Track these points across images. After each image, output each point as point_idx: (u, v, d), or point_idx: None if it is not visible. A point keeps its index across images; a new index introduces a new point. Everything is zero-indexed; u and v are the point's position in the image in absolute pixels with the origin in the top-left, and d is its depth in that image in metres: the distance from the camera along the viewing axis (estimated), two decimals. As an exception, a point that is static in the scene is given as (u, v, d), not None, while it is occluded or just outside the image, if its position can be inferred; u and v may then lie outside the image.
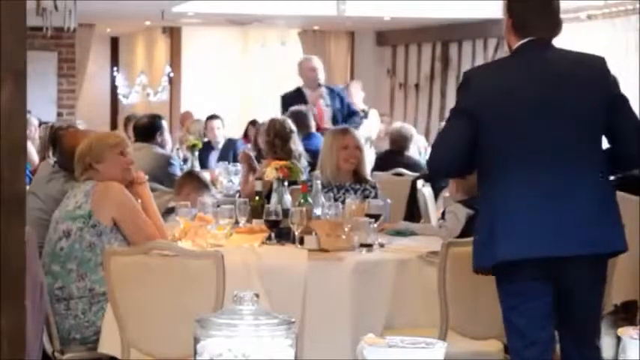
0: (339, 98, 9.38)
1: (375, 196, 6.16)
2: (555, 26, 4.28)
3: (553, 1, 4.31)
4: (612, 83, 4.23)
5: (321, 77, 9.26)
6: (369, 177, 6.39)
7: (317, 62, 9.40)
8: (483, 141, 4.14)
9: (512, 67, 4.24)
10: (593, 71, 4.21)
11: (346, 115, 9.32)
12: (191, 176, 6.80)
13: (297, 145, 7.93)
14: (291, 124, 8.01)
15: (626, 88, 12.31)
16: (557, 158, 4.08)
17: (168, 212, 5.57)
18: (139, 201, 5.13)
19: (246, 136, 11.50)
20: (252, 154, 8.85)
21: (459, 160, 4.20)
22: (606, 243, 4.16)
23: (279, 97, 9.64)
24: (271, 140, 7.83)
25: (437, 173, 4.34)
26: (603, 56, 4.30)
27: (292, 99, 8.89)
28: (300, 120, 9.18)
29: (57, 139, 6.03)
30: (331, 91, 9.43)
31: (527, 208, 4.05)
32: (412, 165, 9.66)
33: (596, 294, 4.26)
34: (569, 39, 11.33)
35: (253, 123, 11.73)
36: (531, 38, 4.20)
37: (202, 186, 6.59)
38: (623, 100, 4.24)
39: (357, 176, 6.32)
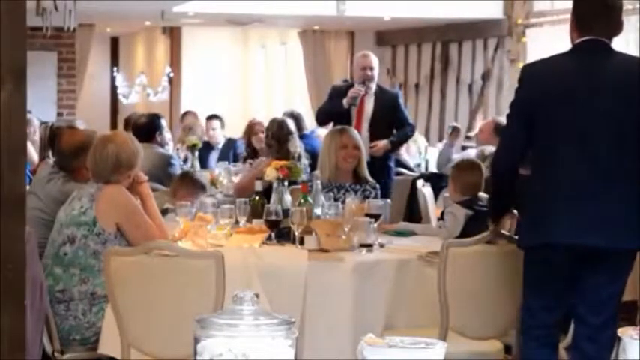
0: (393, 103, 8.56)
1: (376, 197, 6.17)
2: (615, 26, 4.47)
3: (615, 1, 4.48)
4: None
5: (376, 76, 8.71)
6: (369, 177, 6.39)
7: (372, 60, 8.83)
8: (537, 135, 4.37)
9: (568, 64, 4.43)
10: (638, 76, 4.35)
11: (398, 124, 8.62)
12: (186, 178, 6.76)
13: (296, 146, 7.93)
14: (289, 125, 8.01)
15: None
16: (599, 152, 4.28)
17: (163, 213, 5.55)
18: (139, 201, 5.12)
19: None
20: (245, 154, 8.84)
21: (519, 160, 4.54)
22: (636, 238, 4.33)
23: (331, 87, 9.21)
24: (271, 141, 7.83)
25: (501, 176, 4.58)
26: None
27: (341, 92, 8.58)
28: (295, 120, 9.16)
29: (55, 139, 6.03)
30: (384, 93, 8.66)
31: (571, 199, 4.29)
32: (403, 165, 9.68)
33: (617, 286, 4.42)
34: (569, 39, 11.34)
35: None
36: (590, 37, 4.38)
37: (198, 188, 6.57)
38: None
39: (357, 176, 6.32)
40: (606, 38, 4.41)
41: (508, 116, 4.61)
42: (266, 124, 8.61)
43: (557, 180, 4.33)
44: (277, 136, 7.81)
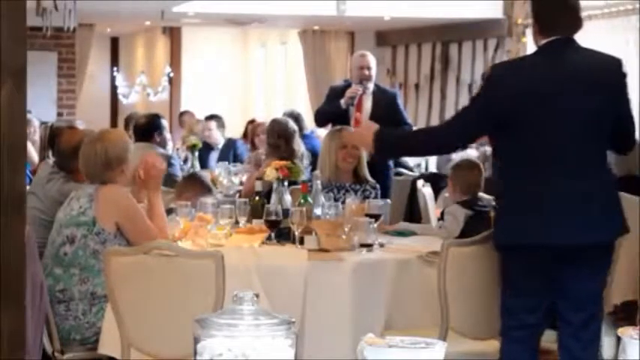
0: (391, 103, 8.56)
1: (376, 197, 6.17)
2: (577, 24, 4.50)
3: (574, 1, 4.53)
4: (624, 84, 4.46)
5: (374, 76, 8.67)
6: (369, 177, 6.39)
7: (369, 60, 8.78)
8: (505, 135, 4.40)
9: (535, 65, 4.47)
10: (609, 71, 4.45)
11: (397, 124, 8.57)
12: (194, 179, 6.72)
13: (299, 144, 7.93)
14: (293, 124, 8.01)
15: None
16: (573, 149, 4.33)
17: (167, 213, 5.56)
18: (145, 202, 5.12)
19: (245, 135, 11.51)
20: (252, 154, 8.82)
21: (460, 146, 4.79)
22: (609, 232, 4.39)
23: (329, 88, 9.22)
24: (275, 141, 7.82)
25: (441, 151, 4.80)
26: (620, 58, 4.54)
27: (338, 92, 8.57)
28: (295, 120, 9.15)
29: (55, 139, 6.03)
30: (383, 93, 8.64)
31: (543, 198, 4.31)
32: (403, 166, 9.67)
33: (596, 283, 4.43)
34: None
35: (253, 122, 11.73)
36: (555, 37, 4.42)
37: (205, 190, 6.54)
38: (627, 101, 4.49)
39: (357, 176, 6.32)
40: (569, 36, 4.46)
41: (467, 109, 4.61)
42: (266, 124, 8.61)
43: (530, 180, 4.35)
44: (285, 135, 7.81)
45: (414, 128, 9.14)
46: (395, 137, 5.02)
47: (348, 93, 8.32)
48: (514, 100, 4.36)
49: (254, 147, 9.51)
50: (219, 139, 11.07)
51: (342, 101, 8.29)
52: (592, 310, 4.43)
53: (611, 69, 4.46)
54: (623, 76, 4.45)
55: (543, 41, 4.45)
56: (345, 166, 6.28)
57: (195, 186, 6.45)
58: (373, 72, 8.54)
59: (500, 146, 4.50)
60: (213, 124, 11.14)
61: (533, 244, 4.34)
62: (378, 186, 6.39)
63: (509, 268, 4.47)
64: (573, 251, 4.34)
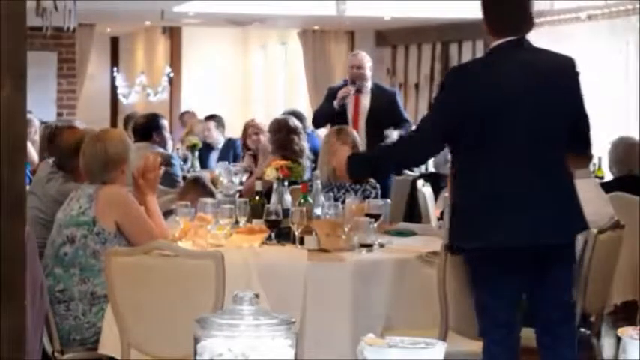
0: (390, 101, 8.61)
1: (376, 197, 6.17)
2: (529, 23, 4.48)
3: (525, 0, 4.51)
4: (579, 83, 4.46)
5: (368, 74, 8.69)
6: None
7: (360, 58, 8.81)
8: (464, 137, 4.36)
9: (490, 68, 4.45)
10: (564, 71, 4.44)
11: (396, 122, 8.57)
12: (196, 183, 6.70)
13: (305, 142, 7.95)
14: (296, 122, 8.03)
15: (626, 88, 12.23)
16: (534, 150, 4.32)
17: (167, 214, 5.55)
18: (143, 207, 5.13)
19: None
20: (247, 155, 8.82)
21: (431, 156, 4.58)
22: (571, 230, 4.42)
23: (327, 89, 9.25)
24: (285, 137, 7.81)
25: (412, 164, 4.73)
26: (573, 57, 4.55)
27: (336, 93, 8.59)
28: (298, 119, 9.15)
29: (54, 139, 6.03)
30: (381, 92, 8.70)
31: (508, 198, 4.31)
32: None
33: (565, 280, 4.45)
34: (569, 39, 11.34)
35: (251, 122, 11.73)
36: (507, 39, 4.40)
37: (207, 194, 6.53)
38: (582, 100, 4.49)
39: None
40: (521, 36, 4.44)
41: (428, 118, 4.61)
42: (266, 124, 8.62)
43: (491, 181, 4.34)
44: (296, 132, 7.83)
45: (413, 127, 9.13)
46: (365, 159, 5.05)
47: (340, 93, 8.36)
48: (471, 103, 4.34)
49: (247, 148, 9.50)
50: (218, 139, 11.07)
51: (335, 102, 8.33)
52: (566, 306, 4.47)
53: (565, 68, 4.45)
54: (577, 74, 4.43)
55: (495, 43, 4.44)
56: None
57: (197, 190, 6.45)
58: (367, 71, 8.56)
59: (459, 149, 4.46)
60: (212, 124, 11.15)
61: (498, 246, 4.34)
62: (378, 186, 6.39)
63: (477, 270, 4.47)
64: (540, 251, 4.36)
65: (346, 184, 6.27)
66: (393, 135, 8.48)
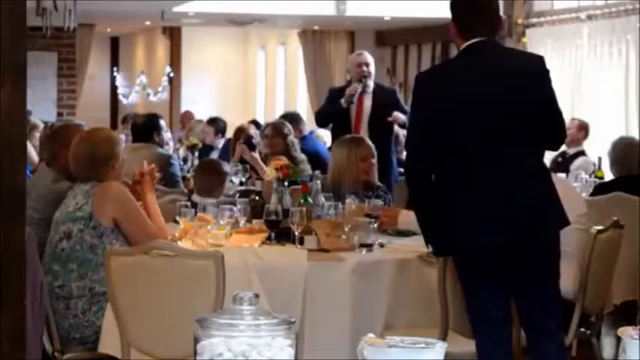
0: (391, 99, 8.60)
1: (387, 202, 6.10)
2: (497, 24, 4.52)
3: (491, 1, 4.53)
4: (548, 82, 4.45)
5: (372, 72, 8.68)
6: (378, 182, 6.34)
7: (367, 56, 8.81)
8: (439, 140, 4.37)
9: (460, 69, 4.46)
10: (533, 70, 4.43)
11: (401, 123, 8.56)
12: (210, 165, 7.06)
13: (297, 148, 8.06)
14: (289, 127, 8.15)
15: (626, 88, 12.21)
16: (506, 151, 4.34)
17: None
18: (140, 203, 5.13)
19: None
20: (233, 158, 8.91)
21: (431, 169, 4.46)
22: (552, 226, 4.41)
23: (328, 90, 9.24)
24: (289, 138, 7.93)
25: (416, 188, 4.58)
26: (542, 55, 4.58)
27: (338, 93, 8.59)
28: (295, 122, 9.18)
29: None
30: (382, 91, 8.68)
31: (484, 200, 4.32)
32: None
33: (548, 275, 4.45)
34: (569, 39, 11.33)
35: (253, 122, 11.74)
36: (475, 40, 4.41)
37: (222, 176, 6.84)
38: (554, 97, 4.46)
39: (368, 183, 6.20)
40: (489, 37, 4.45)
41: (410, 132, 4.62)
42: (250, 128, 8.74)
43: (462, 186, 4.34)
44: (287, 137, 7.96)
45: None
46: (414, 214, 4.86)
47: (348, 91, 8.36)
48: (444, 106, 4.35)
49: (233, 150, 9.51)
50: (217, 142, 11.10)
51: (342, 100, 8.32)
52: (549, 302, 4.46)
53: (535, 67, 4.44)
54: (547, 72, 4.42)
55: (464, 44, 4.44)
56: (364, 178, 6.19)
57: (210, 172, 6.69)
58: (372, 68, 8.58)
59: (437, 152, 4.42)
60: (210, 128, 11.18)
61: (474, 251, 4.36)
62: (388, 191, 6.37)
63: (459, 269, 4.49)
64: (518, 251, 4.36)
65: (359, 192, 6.04)
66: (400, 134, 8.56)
